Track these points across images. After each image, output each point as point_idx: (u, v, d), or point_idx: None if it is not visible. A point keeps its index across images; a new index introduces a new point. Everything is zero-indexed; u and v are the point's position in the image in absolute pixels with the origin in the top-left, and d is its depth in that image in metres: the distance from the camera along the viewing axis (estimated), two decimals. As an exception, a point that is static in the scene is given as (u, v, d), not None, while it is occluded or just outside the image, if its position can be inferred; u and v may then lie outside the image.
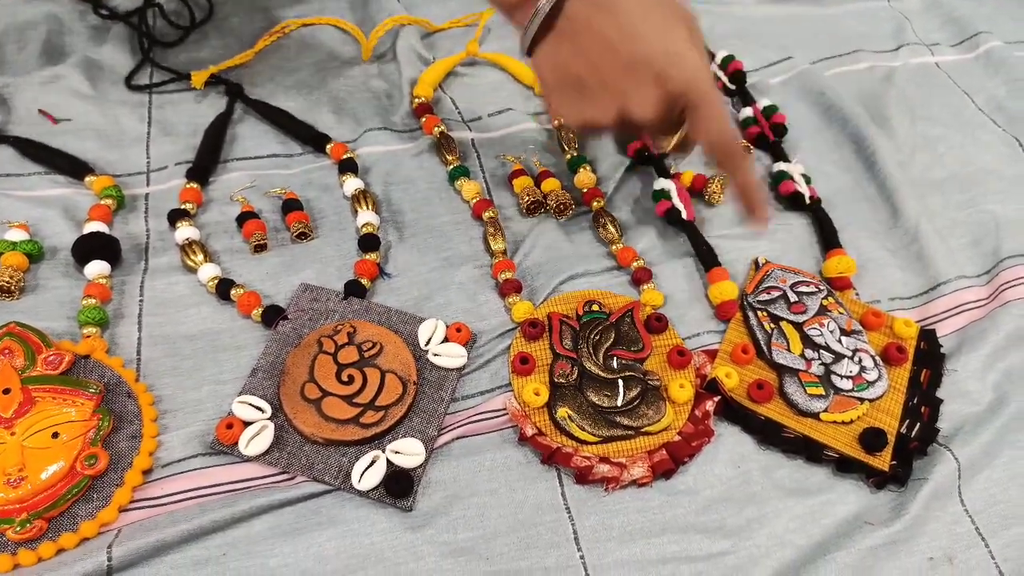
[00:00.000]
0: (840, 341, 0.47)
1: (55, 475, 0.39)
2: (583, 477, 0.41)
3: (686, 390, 0.44)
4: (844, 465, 0.43)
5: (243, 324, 0.47)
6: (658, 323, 0.47)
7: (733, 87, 0.65)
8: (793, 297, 0.49)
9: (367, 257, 0.50)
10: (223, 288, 0.47)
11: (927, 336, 0.49)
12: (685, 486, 0.42)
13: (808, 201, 0.55)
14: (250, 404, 0.42)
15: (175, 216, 0.51)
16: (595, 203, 0.54)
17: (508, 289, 0.49)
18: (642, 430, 0.43)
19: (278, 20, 0.66)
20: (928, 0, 0.76)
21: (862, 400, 0.45)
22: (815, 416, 0.44)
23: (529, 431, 0.42)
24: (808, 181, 0.57)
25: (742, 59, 0.66)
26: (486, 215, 0.53)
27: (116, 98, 0.59)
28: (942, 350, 0.48)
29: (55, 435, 0.40)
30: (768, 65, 0.68)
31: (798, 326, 0.47)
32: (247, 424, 0.42)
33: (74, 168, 0.53)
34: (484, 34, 0.67)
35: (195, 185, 0.53)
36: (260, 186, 0.55)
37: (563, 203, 0.54)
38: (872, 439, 0.43)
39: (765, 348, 0.46)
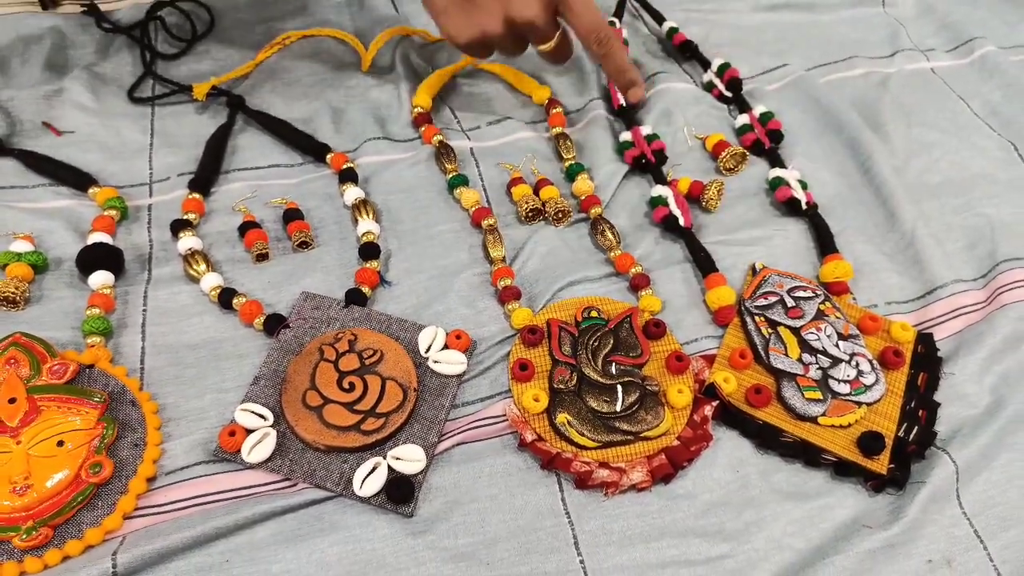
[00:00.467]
0: (837, 345, 0.47)
1: (60, 483, 0.39)
2: (583, 482, 0.42)
3: (684, 395, 0.44)
4: (842, 469, 0.43)
5: (245, 333, 0.48)
6: (656, 329, 0.47)
7: (729, 94, 0.65)
8: (790, 302, 0.49)
9: (367, 265, 0.51)
10: (225, 297, 0.48)
11: (924, 340, 0.49)
12: (684, 490, 0.42)
13: (804, 207, 0.56)
14: (252, 412, 0.43)
15: (177, 226, 0.51)
16: (593, 210, 0.55)
17: (507, 296, 0.49)
18: (641, 435, 0.43)
19: (278, 32, 0.66)
20: (922, 6, 0.76)
21: (860, 404, 0.45)
22: (813, 420, 0.44)
23: (529, 437, 0.43)
24: (804, 187, 0.57)
25: (738, 66, 0.66)
26: (485, 223, 0.53)
27: (119, 110, 0.60)
28: (939, 354, 0.49)
29: (60, 443, 0.40)
30: (764, 72, 0.68)
31: (795, 331, 0.48)
32: (249, 432, 0.42)
33: (78, 180, 0.54)
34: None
35: (197, 196, 0.54)
36: (261, 196, 0.55)
37: (561, 210, 0.54)
38: (870, 443, 0.43)
39: (763, 353, 0.47)
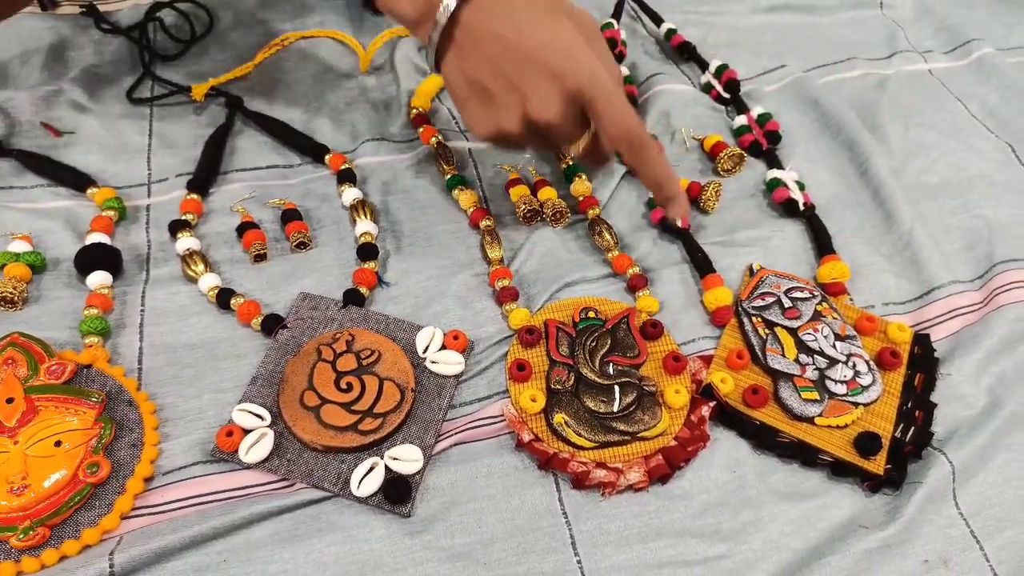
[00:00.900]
0: (834, 346, 0.47)
1: (58, 483, 0.39)
2: (580, 482, 0.42)
3: (682, 396, 0.44)
4: (839, 469, 0.44)
5: (243, 333, 0.48)
6: (654, 329, 0.47)
7: (727, 95, 0.65)
8: (787, 303, 0.49)
9: (365, 266, 0.51)
10: (223, 298, 0.48)
11: (921, 341, 0.49)
12: (681, 491, 0.42)
13: (802, 208, 0.56)
14: (250, 412, 0.43)
15: (176, 227, 0.52)
16: (591, 211, 0.55)
17: (505, 297, 0.49)
18: (638, 435, 0.43)
19: (277, 33, 0.66)
20: (920, 8, 0.76)
21: (856, 404, 0.45)
22: (810, 421, 0.44)
23: (526, 437, 0.43)
24: (802, 188, 0.57)
25: (736, 67, 0.66)
26: (483, 224, 0.53)
27: (118, 111, 0.60)
28: (936, 354, 0.49)
29: (58, 443, 0.40)
30: (762, 73, 0.68)
31: (793, 331, 0.48)
32: (247, 432, 0.42)
33: (76, 180, 0.54)
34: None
35: (195, 196, 0.54)
36: (260, 197, 0.55)
37: (559, 211, 0.54)
38: (867, 443, 0.43)
39: (760, 354, 0.47)
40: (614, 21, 0.70)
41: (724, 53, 0.69)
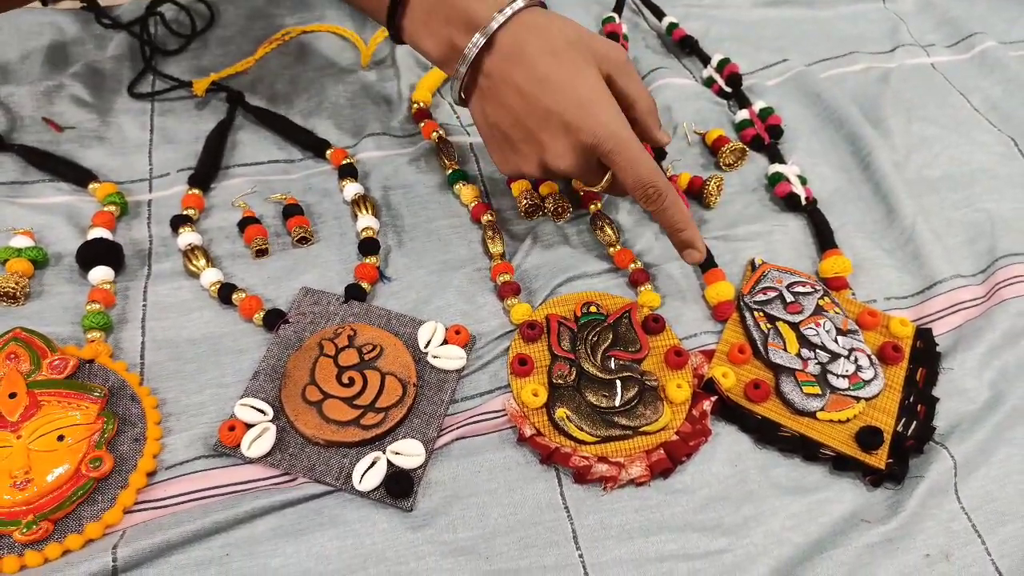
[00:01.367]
0: (836, 340, 0.47)
1: (61, 477, 0.39)
2: (582, 477, 0.42)
3: (683, 390, 0.44)
4: (841, 463, 0.44)
5: (245, 328, 0.48)
6: (655, 324, 0.47)
7: (729, 90, 0.65)
8: (789, 297, 0.49)
9: (367, 261, 0.51)
10: (225, 293, 0.48)
11: (923, 335, 0.49)
12: (683, 485, 0.42)
13: (804, 202, 0.56)
14: (252, 407, 0.43)
15: (177, 222, 0.52)
16: (593, 206, 0.55)
17: (507, 291, 0.49)
18: (640, 430, 0.43)
19: (278, 28, 0.66)
20: (922, 1, 0.76)
21: (858, 399, 0.45)
22: (811, 415, 0.44)
23: (528, 431, 0.43)
24: (804, 182, 0.57)
25: (738, 62, 0.66)
26: (484, 218, 0.53)
27: (119, 106, 0.60)
28: (938, 349, 0.49)
29: (60, 438, 0.40)
30: (764, 67, 0.68)
31: (794, 326, 0.48)
32: (249, 426, 0.42)
33: (78, 175, 0.54)
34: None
35: (197, 191, 0.54)
36: (261, 192, 0.55)
37: (561, 206, 0.54)
38: (868, 437, 0.43)
39: (762, 348, 0.47)
40: (616, 15, 0.70)
41: (726, 47, 0.68)
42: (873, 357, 0.47)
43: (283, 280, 0.50)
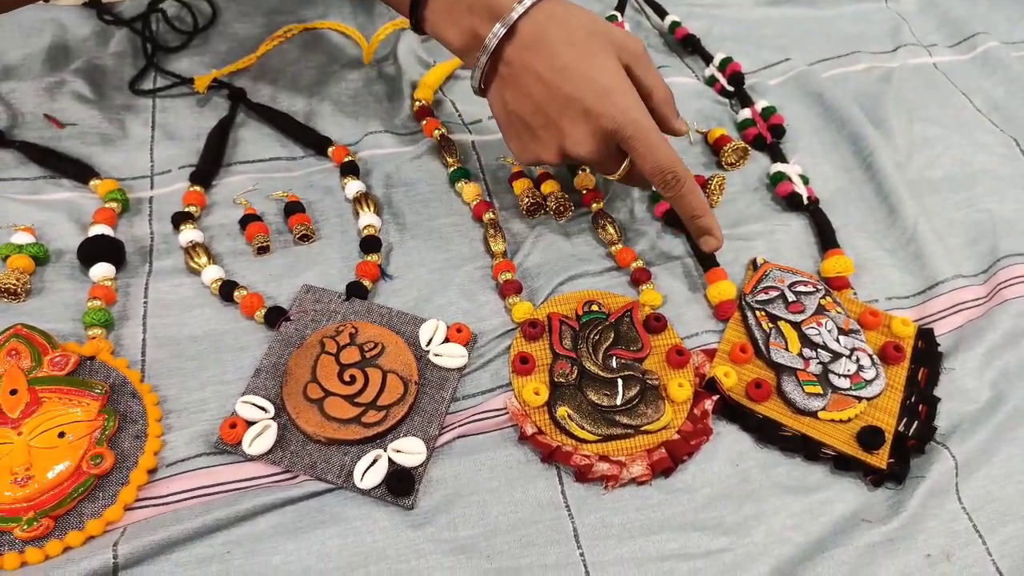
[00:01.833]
0: (838, 340, 0.47)
1: (61, 474, 0.39)
2: (583, 475, 0.42)
3: (685, 389, 0.44)
4: (842, 463, 0.44)
5: (246, 325, 0.48)
6: (657, 323, 0.47)
7: (731, 89, 0.65)
8: (791, 297, 0.49)
9: (369, 259, 0.51)
10: (226, 290, 0.48)
11: (925, 335, 0.49)
12: (684, 484, 0.42)
13: (806, 202, 0.56)
14: (253, 404, 0.43)
15: (179, 219, 0.51)
16: (594, 204, 0.55)
17: (508, 290, 0.49)
18: (641, 429, 0.43)
19: (280, 25, 0.66)
20: (924, 1, 0.76)
21: (860, 399, 0.45)
22: (813, 414, 0.44)
23: (529, 430, 0.43)
24: (806, 182, 0.57)
25: (740, 61, 0.66)
26: (486, 217, 0.53)
27: (120, 103, 0.60)
28: (939, 349, 0.49)
29: (61, 435, 0.40)
30: (766, 67, 0.68)
31: (796, 325, 0.48)
32: (250, 424, 0.42)
33: (79, 172, 0.54)
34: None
35: (198, 188, 0.54)
36: (263, 189, 0.55)
37: (563, 204, 0.54)
38: (870, 437, 0.43)
39: (763, 347, 0.47)
40: (618, 14, 0.70)
41: (728, 46, 0.68)
42: (875, 357, 0.47)
43: (284, 277, 0.50)
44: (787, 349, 0.47)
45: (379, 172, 0.57)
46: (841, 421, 0.44)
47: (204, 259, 0.49)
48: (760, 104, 0.63)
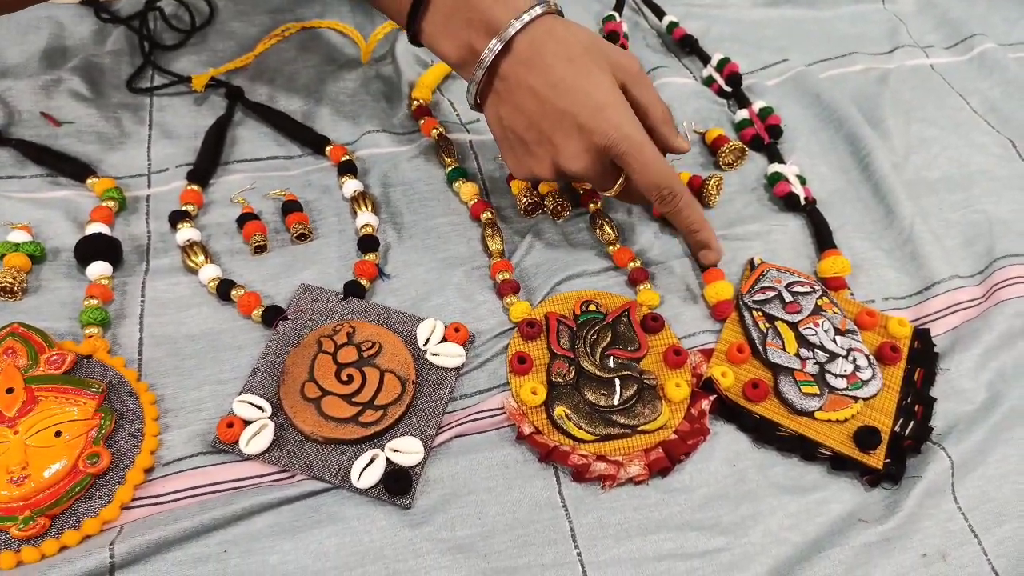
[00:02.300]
0: (835, 340, 0.47)
1: (58, 473, 0.39)
2: (580, 475, 0.42)
3: (682, 389, 0.44)
4: (838, 463, 0.44)
5: (243, 324, 0.48)
6: (654, 323, 0.47)
7: (729, 89, 0.65)
8: (788, 297, 0.49)
9: (366, 258, 0.51)
10: (224, 289, 0.48)
11: (921, 335, 0.49)
12: (681, 484, 0.42)
13: (803, 202, 0.56)
14: (250, 403, 0.43)
15: (176, 218, 0.51)
16: (592, 204, 0.55)
17: (506, 289, 0.49)
18: (638, 428, 0.43)
19: (278, 24, 0.66)
20: (921, 2, 0.76)
21: (856, 399, 0.45)
22: (810, 415, 0.44)
23: (527, 430, 0.43)
24: (803, 182, 0.57)
25: (738, 61, 0.66)
26: (484, 216, 0.53)
27: (117, 101, 0.60)
28: (936, 349, 0.49)
29: (58, 434, 0.40)
30: (764, 67, 0.68)
31: (793, 326, 0.48)
32: (247, 423, 0.42)
33: (76, 170, 0.53)
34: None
35: (196, 187, 0.54)
36: (260, 188, 0.55)
37: (560, 204, 0.54)
38: (866, 437, 0.43)
39: (760, 347, 0.47)
40: (616, 14, 0.70)
41: (726, 47, 0.69)
42: (871, 357, 0.47)
43: (282, 276, 0.50)
44: (784, 349, 0.47)
45: (377, 171, 0.57)
46: (838, 421, 0.44)
47: (201, 258, 0.49)
48: (758, 104, 0.63)
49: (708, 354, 0.47)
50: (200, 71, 0.62)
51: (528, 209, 0.54)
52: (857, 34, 0.72)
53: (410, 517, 0.40)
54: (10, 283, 0.46)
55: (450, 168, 0.56)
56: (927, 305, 0.51)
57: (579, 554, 0.40)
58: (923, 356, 0.48)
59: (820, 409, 0.44)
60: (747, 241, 0.54)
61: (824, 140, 0.62)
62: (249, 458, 0.41)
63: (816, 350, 0.47)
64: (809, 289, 0.50)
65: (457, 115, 0.62)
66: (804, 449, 0.44)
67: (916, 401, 0.46)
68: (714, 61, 0.67)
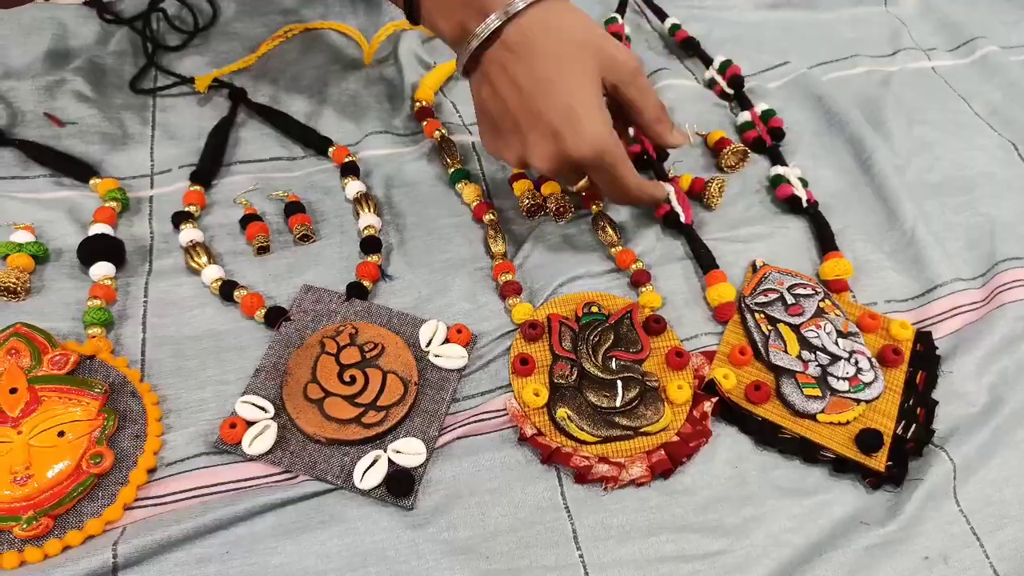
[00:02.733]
0: (837, 343, 0.47)
1: (61, 473, 0.39)
2: (582, 477, 0.42)
3: (684, 391, 0.44)
4: (840, 465, 0.44)
5: (246, 325, 0.48)
6: (656, 325, 0.47)
7: (731, 91, 0.65)
8: (790, 299, 0.49)
9: (369, 259, 0.51)
10: (226, 289, 0.48)
11: (923, 338, 0.49)
12: (683, 486, 0.42)
13: (805, 204, 0.56)
14: (253, 404, 0.43)
15: (179, 218, 0.51)
16: (594, 206, 0.55)
17: (508, 291, 0.49)
18: (641, 430, 0.43)
19: (280, 25, 0.66)
20: (923, 5, 0.76)
21: (858, 401, 0.45)
22: (812, 417, 0.44)
23: (529, 431, 0.43)
24: (805, 184, 0.57)
25: (740, 64, 0.66)
26: (486, 218, 0.53)
27: (120, 102, 0.60)
28: (938, 352, 0.49)
29: (61, 434, 0.40)
30: (766, 69, 0.68)
31: (795, 328, 0.48)
32: (250, 424, 0.42)
33: (79, 171, 0.54)
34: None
35: (198, 188, 0.54)
36: (263, 189, 0.55)
37: (563, 206, 0.54)
38: (868, 440, 0.43)
39: (763, 350, 0.47)
40: (618, 16, 0.70)
41: (728, 49, 0.69)
42: (873, 360, 0.47)
43: (284, 277, 0.50)
44: (786, 351, 0.47)
45: (379, 173, 0.57)
46: (840, 424, 0.44)
47: (204, 259, 0.49)
48: (760, 107, 0.63)
49: (710, 356, 0.47)
50: (203, 72, 0.62)
51: (530, 211, 0.54)
52: (859, 37, 0.72)
53: (412, 518, 0.40)
54: (13, 283, 0.46)
55: (453, 169, 0.56)
56: (929, 308, 0.51)
57: (581, 556, 0.40)
58: (925, 359, 0.48)
59: (822, 411, 0.44)
60: (749, 243, 0.54)
61: (826, 142, 0.62)
62: (252, 459, 0.41)
63: (818, 352, 0.47)
64: (811, 291, 0.50)
65: (460, 116, 0.62)
66: (806, 451, 0.44)
67: (918, 404, 0.46)
68: (716, 63, 0.67)
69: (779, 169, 0.58)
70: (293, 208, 0.53)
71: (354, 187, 0.54)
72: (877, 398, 0.45)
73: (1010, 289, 0.52)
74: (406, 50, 0.65)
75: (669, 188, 0.55)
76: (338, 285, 0.50)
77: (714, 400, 0.45)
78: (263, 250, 0.51)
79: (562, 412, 0.43)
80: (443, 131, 0.58)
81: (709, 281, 0.51)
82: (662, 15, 0.71)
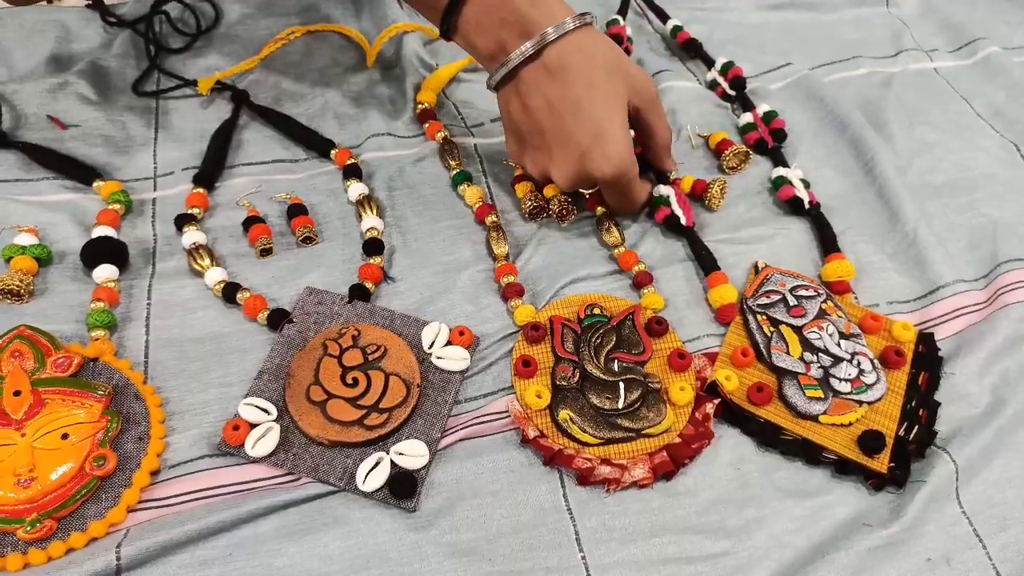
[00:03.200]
0: (839, 344, 0.47)
1: (65, 476, 0.39)
2: (584, 479, 0.42)
3: (686, 393, 0.44)
4: (843, 467, 0.44)
5: (249, 327, 0.48)
6: (659, 326, 0.47)
7: (733, 93, 0.65)
8: (792, 301, 0.49)
9: (371, 261, 0.51)
10: (229, 292, 0.48)
11: (925, 339, 0.49)
12: (685, 488, 0.42)
13: (807, 206, 0.56)
14: (256, 406, 0.43)
15: (182, 221, 0.52)
16: (597, 208, 0.55)
17: (510, 293, 0.49)
18: (643, 432, 0.43)
19: (283, 27, 0.66)
20: (925, 6, 0.76)
21: (860, 403, 0.45)
22: (814, 418, 0.45)
23: (531, 433, 0.43)
24: (807, 186, 0.57)
25: (741, 65, 0.66)
26: (489, 220, 0.53)
27: (123, 104, 0.60)
28: (940, 353, 0.49)
29: (64, 436, 0.40)
30: (767, 71, 0.68)
31: (797, 329, 0.48)
32: (253, 426, 0.42)
33: (82, 173, 0.54)
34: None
35: (201, 190, 0.54)
36: (265, 191, 0.55)
37: (565, 208, 0.54)
38: (870, 441, 0.43)
39: (765, 351, 0.47)
40: (620, 18, 0.70)
41: (730, 50, 0.69)
42: (875, 361, 0.47)
43: (287, 280, 0.50)
44: (788, 353, 0.47)
45: (382, 175, 0.57)
46: (842, 425, 0.44)
47: (207, 261, 0.49)
48: (762, 108, 0.63)
49: (712, 358, 0.47)
50: (206, 74, 0.62)
51: (533, 212, 0.54)
52: (861, 38, 0.72)
53: (415, 520, 0.40)
54: (17, 286, 0.46)
55: (455, 171, 0.56)
56: (931, 309, 0.51)
57: (583, 558, 0.40)
58: (927, 360, 0.48)
59: (824, 413, 0.44)
60: (751, 245, 0.54)
61: (828, 144, 0.62)
62: (255, 461, 0.42)
63: (820, 354, 0.47)
64: (813, 293, 0.50)
65: (462, 119, 0.62)
66: (808, 453, 0.44)
67: (920, 405, 0.46)
68: (718, 65, 0.67)
69: (781, 170, 0.58)
70: (296, 210, 0.53)
71: (356, 189, 0.55)
72: (879, 400, 0.45)
73: (1013, 290, 0.52)
74: (408, 52, 0.65)
75: (670, 191, 0.55)
76: (341, 287, 0.50)
77: (716, 402, 0.45)
78: (266, 252, 0.51)
79: (564, 414, 0.43)
80: (445, 133, 0.58)
81: (711, 283, 0.51)
82: (664, 16, 0.71)
